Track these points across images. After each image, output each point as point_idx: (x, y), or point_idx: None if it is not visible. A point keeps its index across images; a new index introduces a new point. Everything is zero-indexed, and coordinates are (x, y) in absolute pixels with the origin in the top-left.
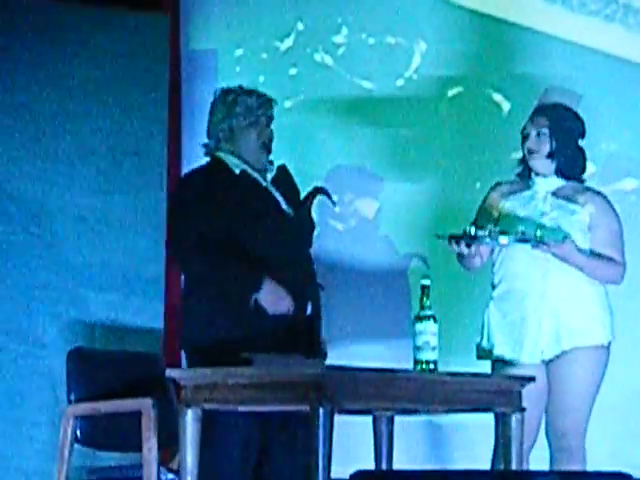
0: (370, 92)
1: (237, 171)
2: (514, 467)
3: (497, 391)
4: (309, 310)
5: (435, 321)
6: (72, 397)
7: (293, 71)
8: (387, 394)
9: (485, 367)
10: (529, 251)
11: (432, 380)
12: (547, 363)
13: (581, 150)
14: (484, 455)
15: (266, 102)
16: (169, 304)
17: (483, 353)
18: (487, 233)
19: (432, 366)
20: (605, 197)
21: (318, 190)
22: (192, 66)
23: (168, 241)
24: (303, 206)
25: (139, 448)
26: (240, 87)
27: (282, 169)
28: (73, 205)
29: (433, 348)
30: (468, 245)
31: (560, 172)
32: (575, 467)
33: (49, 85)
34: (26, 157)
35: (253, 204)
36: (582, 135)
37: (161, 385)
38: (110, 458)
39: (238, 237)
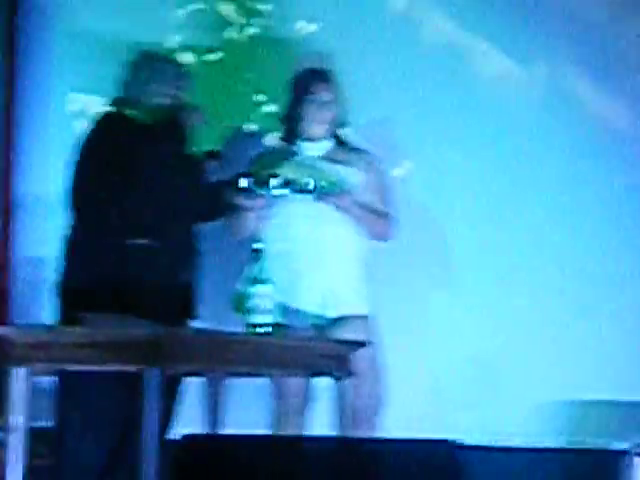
0: None
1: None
2: (347, 432)
3: (329, 355)
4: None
5: (267, 284)
6: None
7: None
8: (221, 357)
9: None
10: (304, 214)
11: (265, 343)
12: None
13: (345, 113)
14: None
15: (185, 73)
16: None
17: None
18: (269, 181)
19: (267, 329)
20: (371, 155)
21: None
22: (28, 18)
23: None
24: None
25: None
26: (157, 53)
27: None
28: None
29: (266, 311)
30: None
31: (330, 136)
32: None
33: None
34: None
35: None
36: None
37: None
38: None
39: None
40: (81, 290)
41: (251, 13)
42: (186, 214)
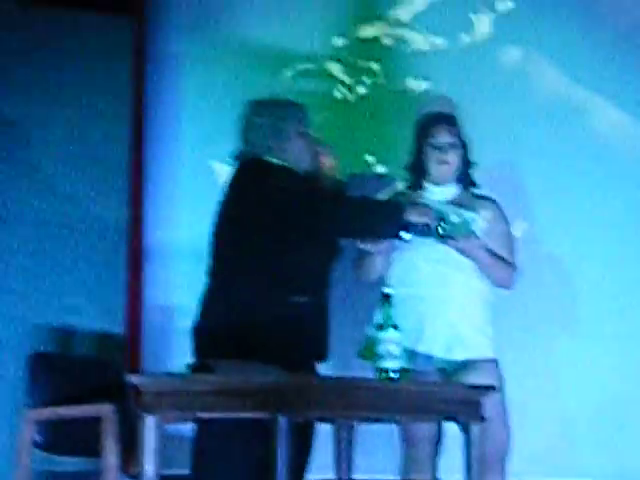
0: None
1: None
2: (476, 478)
3: (459, 401)
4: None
5: (397, 329)
6: (31, 402)
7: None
8: (348, 403)
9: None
10: (429, 258)
11: (394, 389)
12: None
13: (471, 159)
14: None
15: (305, 111)
16: (130, 310)
17: (369, 353)
18: None
19: (394, 375)
20: (497, 203)
21: None
22: (156, 70)
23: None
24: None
25: (98, 453)
26: (273, 99)
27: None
28: (34, 209)
29: (395, 357)
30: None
31: (457, 181)
32: None
33: (12, 90)
34: None
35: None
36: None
37: (121, 391)
38: (69, 463)
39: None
40: (215, 336)
41: (360, 72)
42: (327, 264)
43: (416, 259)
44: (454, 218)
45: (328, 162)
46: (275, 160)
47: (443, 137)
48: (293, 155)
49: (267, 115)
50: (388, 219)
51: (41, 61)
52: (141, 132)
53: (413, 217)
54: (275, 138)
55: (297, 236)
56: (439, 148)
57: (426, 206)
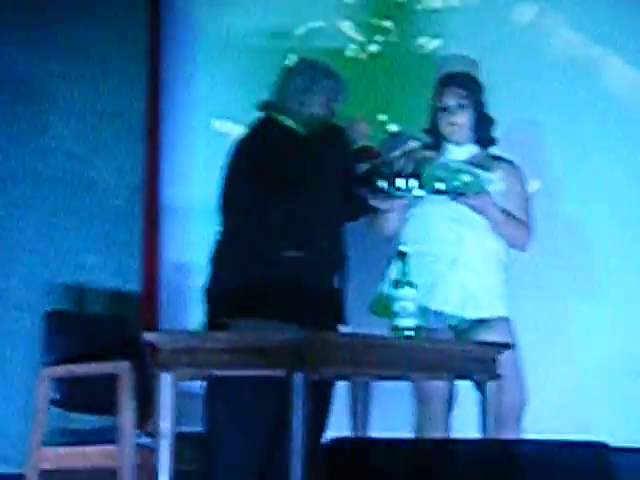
0: None
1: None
2: (492, 434)
3: (474, 358)
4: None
5: (412, 286)
6: (47, 359)
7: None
8: (364, 361)
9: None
10: (444, 216)
11: (410, 346)
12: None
13: (490, 118)
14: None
15: (343, 86)
16: (146, 267)
17: (382, 310)
18: (403, 184)
19: (411, 332)
20: (515, 165)
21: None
22: (171, 27)
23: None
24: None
25: (114, 411)
26: (320, 63)
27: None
28: (50, 168)
29: (411, 314)
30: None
31: (476, 141)
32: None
33: (27, 48)
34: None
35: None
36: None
37: (136, 349)
38: (85, 421)
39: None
40: (228, 295)
41: (373, 30)
42: (338, 220)
43: (431, 217)
44: (466, 176)
45: (363, 129)
46: (289, 121)
47: (450, 99)
48: (312, 120)
49: (305, 75)
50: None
51: (56, 19)
52: (157, 90)
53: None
54: (302, 99)
55: (304, 192)
56: (447, 110)
57: (440, 165)
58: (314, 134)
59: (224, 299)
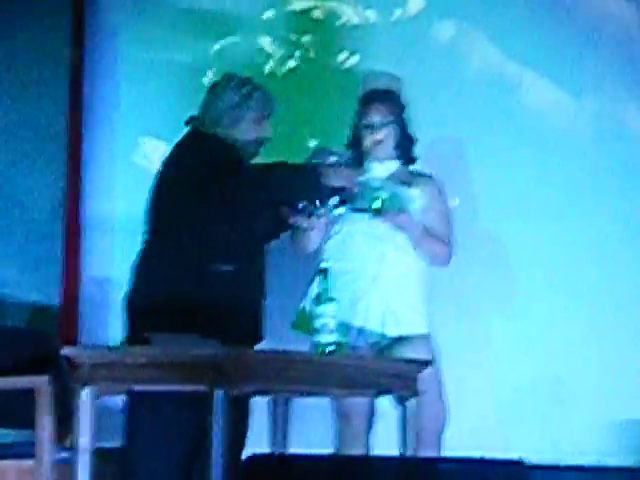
0: None
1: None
2: (411, 451)
3: (395, 375)
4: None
5: (334, 303)
6: None
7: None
8: (284, 377)
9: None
10: (366, 233)
11: (330, 363)
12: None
13: (411, 135)
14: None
15: (272, 100)
16: (66, 282)
17: (303, 326)
18: (323, 203)
19: (332, 348)
20: (436, 181)
21: None
22: (95, 44)
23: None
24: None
25: (33, 426)
26: (249, 78)
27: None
28: None
29: (332, 330)
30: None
31: (397, 157)
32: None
33: None
34: None
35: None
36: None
37: (56, 363)
38: (3, 435)
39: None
40: (149, 308)
41: (290, 45)
42: (261, 237)
43: (353, 234)
44: (385, 194)
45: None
46: (219, 134)
47: (373, 116)
48: (241, 136)
49: (234, 91)
50: (305, 182)
51: None
52: (80, 106)
53: (333, 181)
54: (231, 115)
55: (225, 207)
56: (370, 127)
57: (346, 168)
58: (243, 152)
59: (145, 312)
